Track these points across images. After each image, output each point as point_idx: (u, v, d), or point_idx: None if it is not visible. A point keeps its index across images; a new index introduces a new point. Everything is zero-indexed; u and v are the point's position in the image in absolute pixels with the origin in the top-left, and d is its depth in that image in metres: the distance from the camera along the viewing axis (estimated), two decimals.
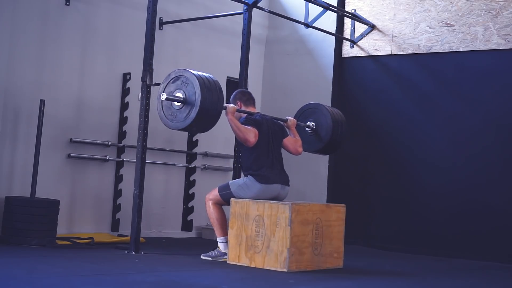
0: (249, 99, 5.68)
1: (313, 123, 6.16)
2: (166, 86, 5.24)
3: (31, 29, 6.24)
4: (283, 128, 5.77)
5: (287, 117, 5.92)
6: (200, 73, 5.17)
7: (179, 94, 5.14)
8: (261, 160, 5.41)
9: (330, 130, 6.07)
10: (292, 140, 5.77)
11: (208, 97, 5.05)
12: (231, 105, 5.42)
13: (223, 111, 5.30)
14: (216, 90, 5.13)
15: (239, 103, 5.63)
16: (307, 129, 6.17)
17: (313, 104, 6.26)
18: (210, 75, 5.23)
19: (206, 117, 5.11)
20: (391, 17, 7.75)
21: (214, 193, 5.47)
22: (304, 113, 6.23)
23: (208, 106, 5.05)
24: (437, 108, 7.35)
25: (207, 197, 5.49)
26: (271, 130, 5.54)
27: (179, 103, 5.14)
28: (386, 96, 7.74)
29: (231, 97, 5.70)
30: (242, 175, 5.60)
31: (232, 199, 5.32)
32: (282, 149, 5.69)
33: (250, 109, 5.64)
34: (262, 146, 5.43)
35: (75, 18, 6.58)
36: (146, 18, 5.73)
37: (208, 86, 5.08)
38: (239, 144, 5.53)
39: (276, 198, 5.42)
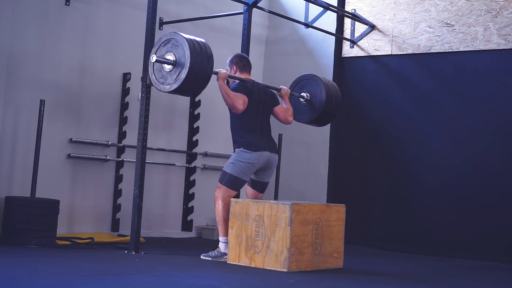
0: (245, 65, 5.68)
1: (308, 94, 6.14)
2: (157, 49, 5.29)
3: (31, 29, 6.24)
4: (275, 97, 5.79)
5: (281, 86, 5.92)
6: (191, 36, 5.19)
7: (170, 57, 5.19)
8: (250, 126, 5.46)
9: (323, 102, 6.05)
10: (283, 109, 5.78)
11: (198, 60, 5.08)
12: (223, 70, 5.44)
13: (214, 76, 5.33)
14: (206, 54, 5.16)
15: (234, 67, 5.65)
16: (301, 99, 6.16)
17: (308, 75, 6.23)
18: (202, 40, 5.24)
19: (196, 80, 5.14)
20: (391, 17, 7.75)
21: (219, 187, 5.46)
22: (299, 84, 6.22)
23: (197, 68, 5.08)
24: (437, 108, 7.35)
25: (216, 195, 5.45)
26: (261, 98, 5.57)
27: (169, 66, 5.18)
28: (386, 96, 7.74)
29: (228, 60, 5.72)
30: (233, 149, 5.59)
31: (232, 199, 5.31)
32: (273, 117, 5.71)
33: (245, 76, 5.64)
34: (251, 114, 5.47)
35: (75, 18, 6.58)
36: (146, 18, 5.73)
37: (198, 49, 5.11)
38: (229, 110, 5.53)
39: (267, 164, 5.47)
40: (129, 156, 6.83)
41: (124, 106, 6.92)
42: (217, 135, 7.72)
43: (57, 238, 5.86)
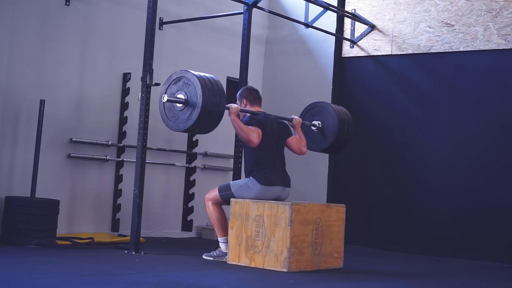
0: (255, 98, 5.63)
1: (319, 122, 6.12)
2: (168, 87, 5.21)
3: (31, 29, 6.24)
4: (287, 128, 5.74)
5: (292, 116, 5.88)
6: (201, 73, 5.14)
7: (181, 96, 5.11)
8: (263, 161, 5.40)
9: (336, 130, 6.02)
10: (296, 140, 5.74)
11: (210, 98, 5.03)
12: (234, 105, 5.39)
13: (226, 111, 5.29)
14: (218, 91, 5.09)
15: (244, 101, 5.60)
16: (313, 128, 6.13)
17: (319, 103, 6.21)
18: (212, 76, 5.20)
19: (208, 118, 5.09)
20: (391, 17, 7.75)
21: (214, 193, 5.45)
22: (310, 112, 6.19)
23: (209, 107, 5.03)
24: (437, 108, 7.35)
25: (207, 197, 5.48)
26: (274, 130, 5.51)
27: (181, 105, 5.11)
28: (386, 96, 7.74)
29: (238, 93, 5.68)
30: (244, 176, 5.58)
31: (232, 199, 5.32)
32: (286, 148, 5.67)
33: (255, 108, 5.60)
34: (265, 147, 5.41)
35: (75, 18, 6.58)
36: (146, 18, 5.73)
37: (209, 87, 5.06)
38: (242, 144, 5.51)
39: (277, 199, 5.40)
40: (129, 156, 6.83)
41: (124, 106, 6.92)
42: (217, 135, 7.66)
43: (57, 238, 5.86)
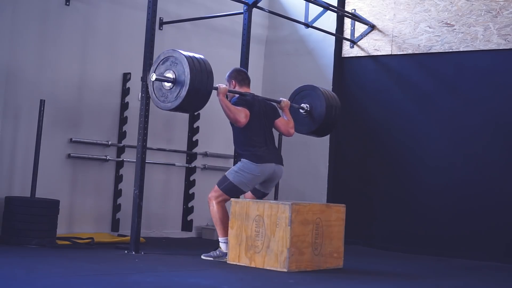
0: (244, 79, 5.68)
1: (307, 105, 6.15)
2: (156, 67, 5.27)
3: (31, 29, 6.24)
4: (275, 109, 5.78)
5: (281, 98, 5.92)
6: (190, 53, 5.19)
7: (169, 75, 5.17)
8: (253, 139, 5.45)
9: (324, 113, 6.05)
10: (284, 121, 5.78)
11: (198, 76, 5.07)
12: (222, 85, 5.43)
13: (215, 91, 5.32)
14: (205, 70, 5.14)
15: (233, 82, 5.64)
16: (301, 110, 6.16)
17: (308, 86, 6.24)
18: (201, 56, 5.24)
19: (196, 96, 5.13)
20: (391, 17, 7.75)
21: (215, 190, 5.46)
22: (299, 95, 6.22)
23: (197, 85, 5.07)
24: (437, 108, 7.35)
25: (210, 196, 5.48)
26: (262, 110, 5.56)
27: (169, 83, 5.17)
28: (386, 96, 7.74)
29: (227, 75, 5.71)
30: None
31: (232, 199, 5.32)
32: (273, 129, 5.71)
33: (244, 89, 5.64)
34: (254, 126, 5.46)
35: (75, 18, 6.58)
36: (146, 18, 5.73)
37: (197, 65, 5.10)
38: (231, 124, 5.53)
39: (272, 176, 5.47)
40: (129, 156, 6.83)
41: (124, 106, 6.92)
42: (217, 135, 7.72)
43: (57, 238, 5.86)
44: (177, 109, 5.23)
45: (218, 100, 5.37)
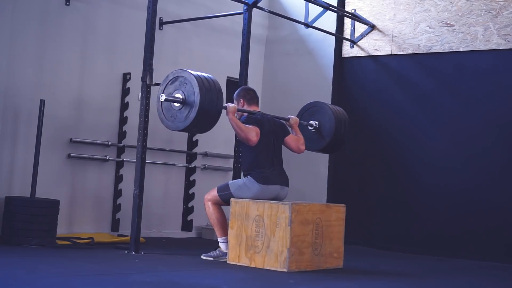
0: (252, 98, 5.66)
1: (316, 122, 6.14)
2: (165, 87, 5.23)
3: (31, 29, 6.24)
4: (284, 126, 5.75)
5: (289, 116, 5.90)
6: (198, 73, 5.16)
7: (178, 95, 5.13)
8: (261, 159, 5.41)
9: (333, 130, 6.05)
10: (294, 138, 5.75)
11: (207, 97, 5.04)
12: (231, 104, 5.40)
13: (224, 110, 5.30)
14: (215, 89, 5.11)
15: (242, 101, 5.62)
16: (309, 127, 6.15)
17: (316, 103, 6.24)
18: (209, 75, 5.21)
19: (206, 117, 5.10)
20: (391, 17, 7.75)
21: (213, 194, 5.46)
22: (307, 112, 6.21)
23: (207, 105, 5.04)
24: (437, 108, 7.35)
25: (206, 198, 5.49)
26: (272, 129, 5.53)
27: (178, 104, 5.12)
28: (386, 96, 7.74)
29: (235, 93, 5.69)
30: (242, 175, 5.59)
31: (232, 199, 5.32)
32: (284, 147, 5.68)
33: (253, 108, 5.61)
34: (263, 146, 5.42)
35: (75, 18, 6.58)
36: (146, 18, 5.73)
37: (207, 85, 5.07)
38: (240, 143, 5.52)
39: (276, 198, 5.41)
40: (129, 156, 6.83)
41: (124, 106, 6.92)
42: (217, 135, 7.70)
43: (57, 238, 5.86)
44: (187, 130, 5.20)
45: (228, 119, 5.34)
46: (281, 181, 5.46)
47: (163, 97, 5.12)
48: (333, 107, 6.20)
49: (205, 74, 5.18)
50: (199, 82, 5.04)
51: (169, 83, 5.22)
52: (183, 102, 5.10)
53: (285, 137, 5.68)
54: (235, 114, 5.40)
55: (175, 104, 5.14)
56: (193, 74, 5.08)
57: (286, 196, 5.55)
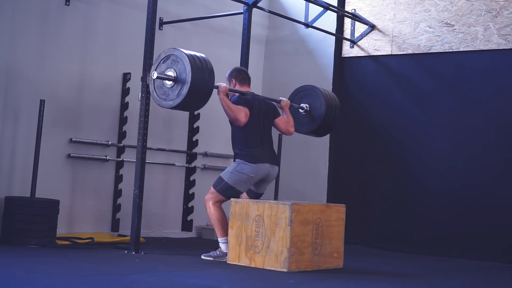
0: (244, 78, 5.69)
1: (307, 105, 6.16)
2: (157, 66, 5.29)
3: (31, 29, 6.24)
4: (275, 108, 5.79)
5: (281, 98, 5.93)
6: (190, 51, 5.19)
7: (170, 73, 5.18)
8: (250, 139, 5.46)
9: (323, 113, 6.06)
10: (284, 120, 5.79)
11: (199, 74, 5.08)
12: (223, 84, 5.44)
13: (215, 90, 5.33)
14: (207, 68, 5.16)
15: (234, 81, 5.65)
16: (300, 110, 6.17)
17: (308, 86, 6.25)
18: (202, 54, 5.24)
19: (198, 94, 5.14)
20: (391, 17, 7.75)
21: (211, 192, 5.48)
22: (298, 95, 6.23)
23: (198, 83, 5.08)
24: (437, 108, 7.35)
25: (206, 198, 5.50)
26: (262, 110, 5.57)
27: (170, 82, 5.18)
28: (386, 96, 7.74)
29: (227, 74, 5.72)
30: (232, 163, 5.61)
31: (232, 199, 5.32)
32: (273, 128, 5.72)
33: (245, 88, 5.65)
34: (253, 126, 5.46)
35: (75, 18, 6.59)
36: (146, 18, 5.73)
37: (198, 64, 5.11)
38: (230, 123, 5.54)
39: (266, 177, 5.49)
40: (129, 156, 6.83)
41: (124, 106, 6.92)
42: (217, 135, 7.72)
43: (57, 238, 5.86)
44: (178, 107, 5.24)
45: (219, 98, 5.38)
46: (271, 160, 5.52)
47: (155, 75, 5.18)
48: (324, 90, 6.21)
49: (197, 53, 5.21)
50: (191, 60, 5.08)
51: (161, 61, 5.27)
52: (175, 80, 5.15)
53: (275, 119, 5.72)
54: (227, 94, 5.43)
55: (167, 82, 5.19)
56: (184, 53, 5.13)
57: (276, 174, 5.62)
